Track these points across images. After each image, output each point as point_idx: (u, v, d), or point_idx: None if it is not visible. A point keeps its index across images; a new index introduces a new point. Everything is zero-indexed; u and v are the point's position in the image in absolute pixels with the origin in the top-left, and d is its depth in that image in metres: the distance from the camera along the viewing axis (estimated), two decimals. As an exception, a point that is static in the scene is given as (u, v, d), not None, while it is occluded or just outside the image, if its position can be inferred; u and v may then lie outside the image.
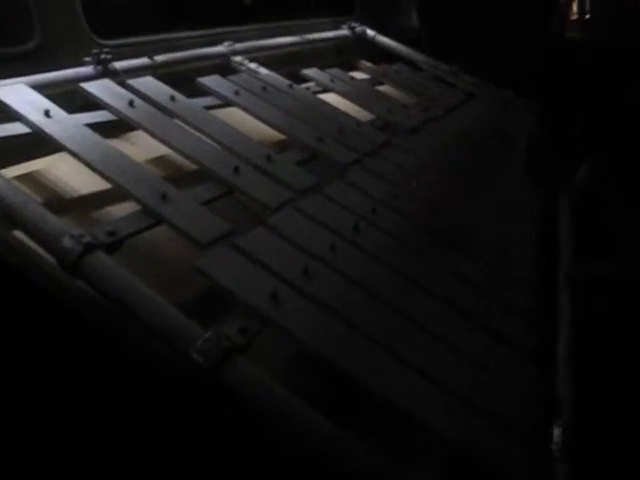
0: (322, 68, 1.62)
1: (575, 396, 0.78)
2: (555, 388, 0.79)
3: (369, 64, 1.96)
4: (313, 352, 0.71)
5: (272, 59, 1.59)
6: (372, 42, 2.03)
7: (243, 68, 1.43)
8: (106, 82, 1.09)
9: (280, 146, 1.15)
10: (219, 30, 1.51)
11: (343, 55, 1.96)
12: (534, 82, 2.26)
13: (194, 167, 0.99)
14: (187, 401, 0.68)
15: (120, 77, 1.13)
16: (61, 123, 0.93)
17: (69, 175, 0.94)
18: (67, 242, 0.72)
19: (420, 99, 1.57)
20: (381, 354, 0.74)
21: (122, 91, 1.07)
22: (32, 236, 0.76)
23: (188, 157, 0.99)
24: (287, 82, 1.36)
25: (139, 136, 1.04)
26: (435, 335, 0.80)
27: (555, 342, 0.87)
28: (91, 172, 0.93)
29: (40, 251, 0.78)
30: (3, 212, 0.78)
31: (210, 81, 1.24)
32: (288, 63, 1.65)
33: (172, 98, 1.10)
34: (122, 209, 0.88)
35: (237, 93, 1.22)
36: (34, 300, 0.78)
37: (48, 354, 0.77)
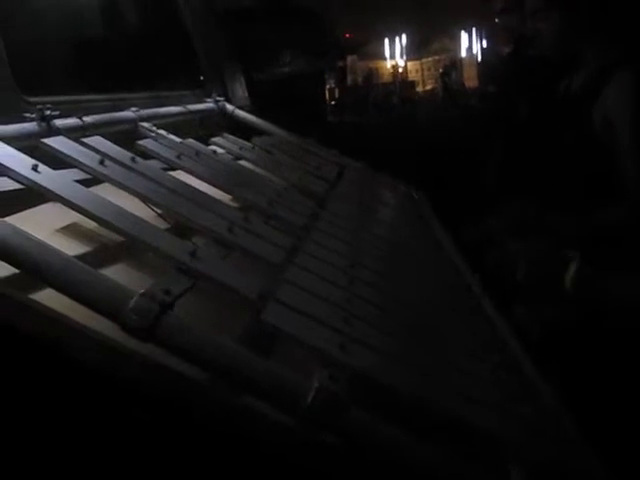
0: (198, 138, 1.65)
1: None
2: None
3: (232, 136, 2.02)
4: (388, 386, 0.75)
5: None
6: (231, 116, 2.11)
7: (152, 134, 1.40)
8: (62, 139, 1.01)
9: (236, 208, 1.16)
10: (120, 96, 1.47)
11: (206, 127, 2.01)
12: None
13: (181, 224, 0.97)
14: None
15: (66, 134, 1.06)
16: (53, 178, 0.85)
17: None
18: (140, 302, 0.67)
19: (310, 167, 1.68)
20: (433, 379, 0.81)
21: (83, 149, 1.01)
22: (81, 299, 0.69)
23: (179, 215, 0.96)
24: (210, 149, 1.37)
25: (111, 193, 0.98)
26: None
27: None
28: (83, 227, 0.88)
29: (78, 316, 0.71)
30: (32, 271, 0.69)
31: (150, 144, 1.21)
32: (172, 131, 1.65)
33: (133, 159, 1.06)
34: (143, 266, 0.83)
35: (179, 157, 1.21)
36: (78, 378, 0.70)
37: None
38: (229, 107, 2.09)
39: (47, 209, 0.95)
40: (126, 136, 1.33)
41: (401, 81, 14.02)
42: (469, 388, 0.81)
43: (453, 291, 1.22)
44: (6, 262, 0.69)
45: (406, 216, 1.68)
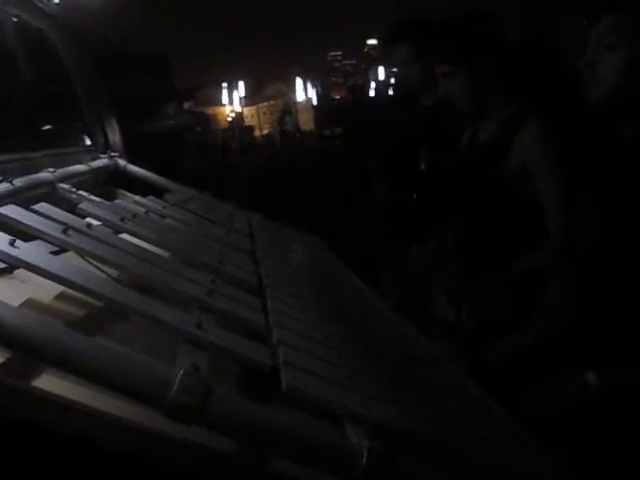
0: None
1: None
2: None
3: (128, 193, 1.96)
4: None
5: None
6: (123, 172, 2.04)
7: (73, 196, 1.33)
8: (15, 208, 0.94)
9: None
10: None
11: (101, 184, 1.92)
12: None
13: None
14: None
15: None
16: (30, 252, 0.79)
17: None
18: (185, 381, 0.64)
19: (224, 221, 1.68)
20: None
21: (39, 217, 0.94)
22: (116, 386, 0.64)
23: (156, 283, 0.93)
24: (142, 209, 1.32)
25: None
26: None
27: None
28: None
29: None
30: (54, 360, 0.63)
31: (90, 207, 1.15)
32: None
33: (88, 225, 1.00)
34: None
35: (123, 220, 1.16)
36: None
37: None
38: (121, 162, 2.03)
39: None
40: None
41: (239, 126, 14.30)
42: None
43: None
44: (20, 351, 0.63)
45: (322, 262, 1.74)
